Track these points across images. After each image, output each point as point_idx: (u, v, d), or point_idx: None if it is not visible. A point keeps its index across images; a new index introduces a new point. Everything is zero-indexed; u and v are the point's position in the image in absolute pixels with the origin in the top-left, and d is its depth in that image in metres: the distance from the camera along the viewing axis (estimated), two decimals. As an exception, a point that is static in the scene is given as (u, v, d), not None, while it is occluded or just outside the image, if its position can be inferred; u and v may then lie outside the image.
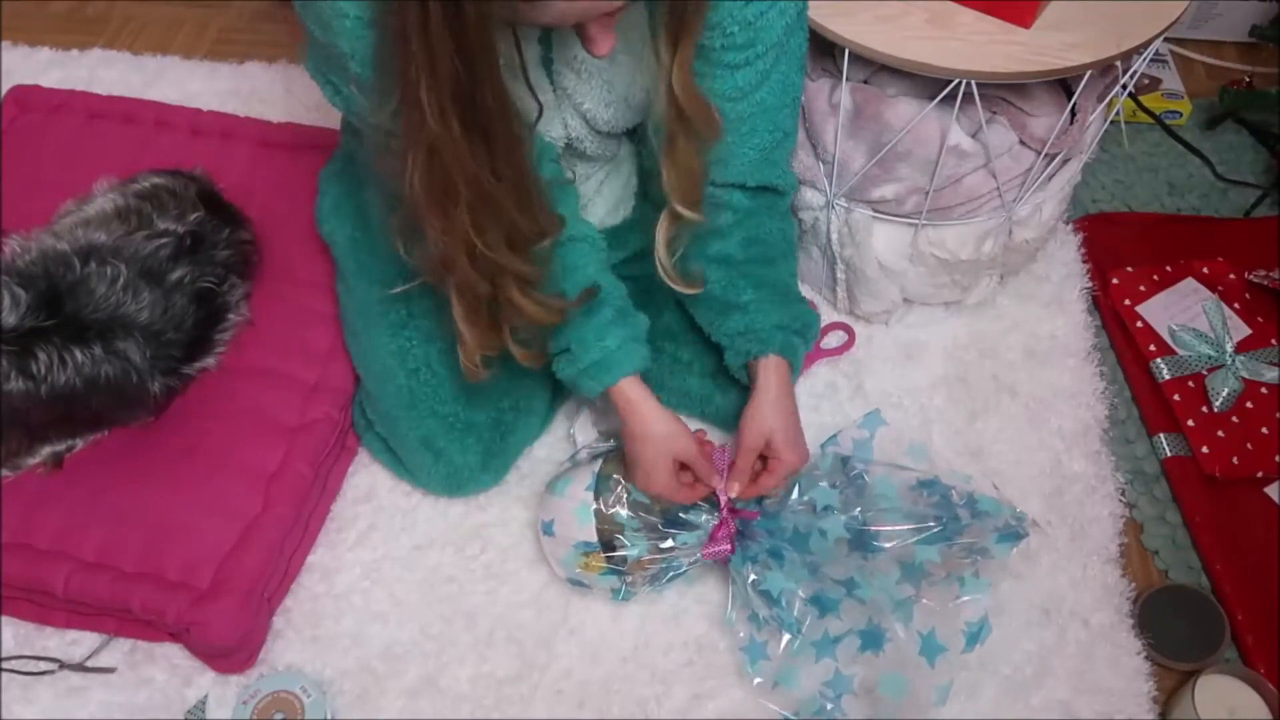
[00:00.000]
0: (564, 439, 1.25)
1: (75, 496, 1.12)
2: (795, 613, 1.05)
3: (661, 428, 1.03)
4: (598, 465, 1.11)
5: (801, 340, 1.11)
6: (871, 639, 1.05)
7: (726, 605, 1.11)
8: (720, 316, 1.09)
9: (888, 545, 1.05)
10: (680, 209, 0.98)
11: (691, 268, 1.07)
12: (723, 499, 1.08)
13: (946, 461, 1.24)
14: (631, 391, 1.03)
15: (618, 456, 1.12)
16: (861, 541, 1.06)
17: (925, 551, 1.05)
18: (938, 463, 1.17)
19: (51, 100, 1.49)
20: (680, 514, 1.09)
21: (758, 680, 1.06)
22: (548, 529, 1.09)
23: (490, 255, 0.86)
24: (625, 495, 1.09)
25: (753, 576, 1.06)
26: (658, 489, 1.04)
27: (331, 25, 0.82)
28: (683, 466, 1.05)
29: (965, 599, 1.06)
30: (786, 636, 1.06)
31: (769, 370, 1.08)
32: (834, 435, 1.17)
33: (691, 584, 1.14)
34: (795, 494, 1.09)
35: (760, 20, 0.91)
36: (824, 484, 1.09)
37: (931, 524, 1.07)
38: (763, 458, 1.08)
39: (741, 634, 1.08)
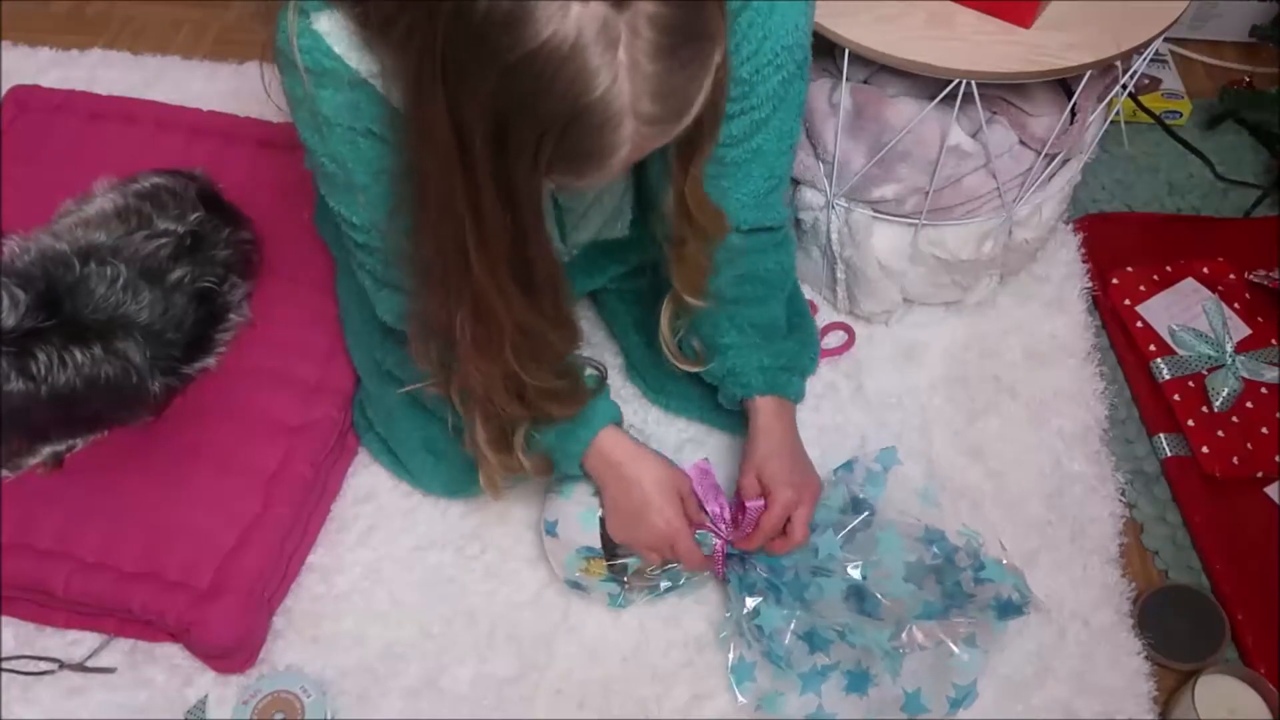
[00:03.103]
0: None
1: (75, 496, 1.12)
2: (785, 644, 1.04)
3: (663, 463, 1.03)
4: None
5: (793, 374, 1.10)
6: (857, 681, 1.04)
7: (724, 614, 1.11)
8: (706, 358, 1.08)
9: (885, 608, 1.05)
10: (688, 299, 0.98)
11: (693, 344, 1.07)
12: (724, 532, 1.07)
13: (948, 462, 1.24)
14: (620, 437, 1.02)
15: None
16: (860, 600, 1.06)
17: (922, 623, 1.04)
18: (947, 506, 1.17)
19: (51, 100, 1.49)
20: None
21: (742, 701, 1.06)
22: (551, 529, 1.09)
23: (526, 379, 0.86)
24: None
25: (747, 608, 1.05)
26: (675, 528, 1.01)
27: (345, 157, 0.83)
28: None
29: (955, 665, 1.05)
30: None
31: (758, 410, 1.08)
32: (848, 462, 1.17)
33: (691, 589, 1.14)
34: None
35: (756, 77, 0.91)
36: (830, 531, 1.08)
37: (935, 590, 1.06)
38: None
39: (731, 654, 1.08)
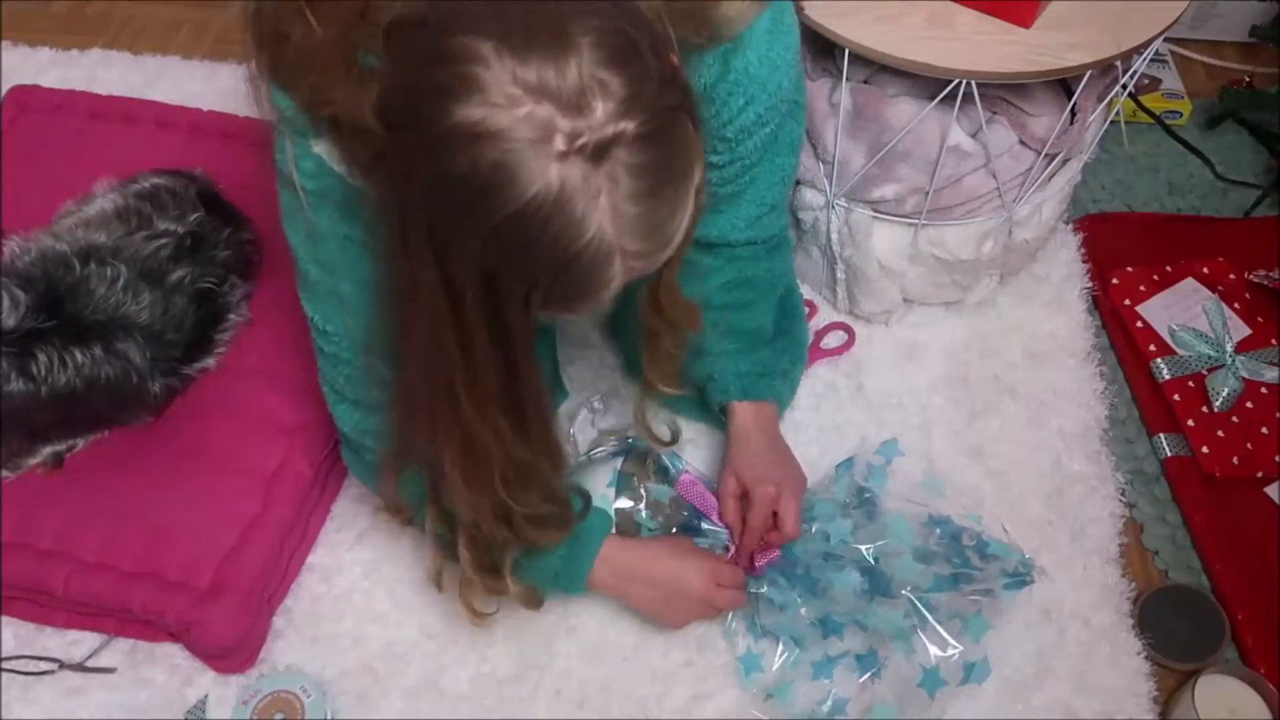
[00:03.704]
0: (564, 440, 1.25)
1: (75, 496, 1.12)
2: (800, 627, 1.05)
3: (665, 543, 1.05)
4: (619, 463, 1.12)
5: (771, 378, 1.11)
6: (868, 662, 1.05)
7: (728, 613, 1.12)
8: (690, 360, 1.07)
9: (902, 591, 1.06)
10: (661, 388, 0.98)
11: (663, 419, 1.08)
12: (733, 549, 1.09)
13: (949, 462, 1.24)
14: (619, 545, 1.02)
15: (638, 456, 1.13)
16: (873, 581, 1.07)
17: (935, 597, 1.06)
18: (950, 497, 1.18)
19: (51, 100, 1.48)
20: (696, 521, 1.10)
21: (752, 690, 1.07)
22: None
23: (516, 508, 0.86)
24: (644, 496, 1.09)
25: (763, 588, 1.06)
26: (710, 597, 1.03)
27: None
28: None
29: (967, 638, 1.06)
30: (782, 652, 1.06)
31: (734, 416, 1.09)
32: (849, 459, 1.18)
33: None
34: (809, 511, 1.10)
35: (741, 135, 0.91)
36: (839, 518, 1.09)
37: (944, 567, 1.07)
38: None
39: (739, 644, 1.08)
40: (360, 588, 1.15)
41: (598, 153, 0.61)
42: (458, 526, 0.89)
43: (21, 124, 1.46)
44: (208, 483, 1.13)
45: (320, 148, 0.76)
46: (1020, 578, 1.09)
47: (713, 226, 1.01)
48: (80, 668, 1.09)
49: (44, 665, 1.09)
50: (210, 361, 1.19)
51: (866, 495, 1.13)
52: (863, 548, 1.08)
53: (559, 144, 0.60)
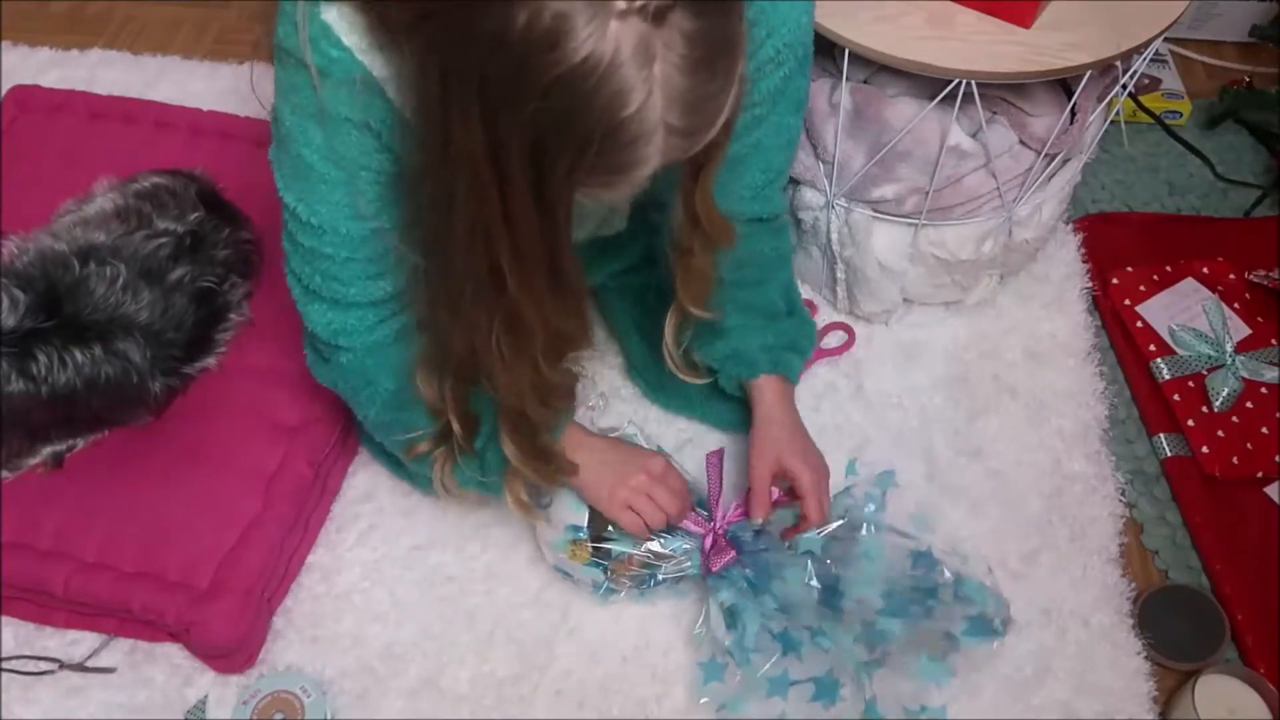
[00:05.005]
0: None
1: (75, 496, 1.12)
2: (754, 644, 1.02)
3: (616, 446, 1.04)
4: None
5: (794, 353, 1.11)
6: (826, 689, 1.03)
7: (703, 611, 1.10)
8: (708, 341, 1.08)
9: (851, 604, 1.04)
10: (691, 309, 0.98)
11: (696, 358, 1.07)
12: (718, 518, 1.08)
13: (948, 462, 1.24)
14: (579, 428, 1.03)
15: None
16: (829, 595, 1.05)
17: (887, 623, 1.03)
18: (940, 535, 1.16)
19: (51, 100, 1.49)
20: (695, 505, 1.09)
21: (704, 700, 1.04)
22: (543, 508, 1.08)
23: (554, 380, 0.86)
24: None
25: (725, 599, 1.04)
26: (658, 471, 1.02)
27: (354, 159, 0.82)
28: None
29: (921, 679, 1.02)
30: (739, 665, 1.03)
31: (763, 391, 1.08)
32: (847, 489, 1.15)
33: (691, 584, 1.14)
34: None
35: (757, 74, 0.91)
36: (813, 530, 1.06)
37: (906, 594, 1.05)
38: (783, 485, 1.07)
39: (704, 652, 1.06)
40: (360, 588, 1.15)
41: (658, 14, 0.61)
42: (499, 418, 0.90)
43: (21, 124, 1.46)
44: (208, 483, 1.13)
45: (331, 15, 0.75)
46: (987, 627, 1.05)
47: (719, 198, 1.00)
48: (80, 668, 1.09)
49: (44, 665, 1.09)
50: (211, 361, 1.19)
51: (856, 519, 1.10)
52: (827, 560, 1.06)
53: (620, 1, 0.60)
